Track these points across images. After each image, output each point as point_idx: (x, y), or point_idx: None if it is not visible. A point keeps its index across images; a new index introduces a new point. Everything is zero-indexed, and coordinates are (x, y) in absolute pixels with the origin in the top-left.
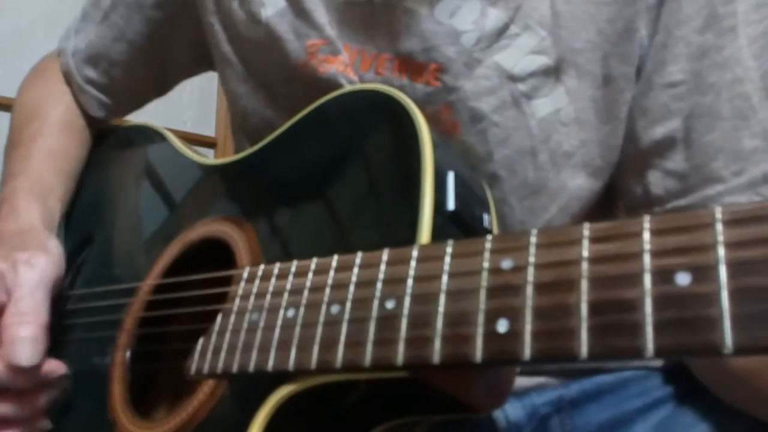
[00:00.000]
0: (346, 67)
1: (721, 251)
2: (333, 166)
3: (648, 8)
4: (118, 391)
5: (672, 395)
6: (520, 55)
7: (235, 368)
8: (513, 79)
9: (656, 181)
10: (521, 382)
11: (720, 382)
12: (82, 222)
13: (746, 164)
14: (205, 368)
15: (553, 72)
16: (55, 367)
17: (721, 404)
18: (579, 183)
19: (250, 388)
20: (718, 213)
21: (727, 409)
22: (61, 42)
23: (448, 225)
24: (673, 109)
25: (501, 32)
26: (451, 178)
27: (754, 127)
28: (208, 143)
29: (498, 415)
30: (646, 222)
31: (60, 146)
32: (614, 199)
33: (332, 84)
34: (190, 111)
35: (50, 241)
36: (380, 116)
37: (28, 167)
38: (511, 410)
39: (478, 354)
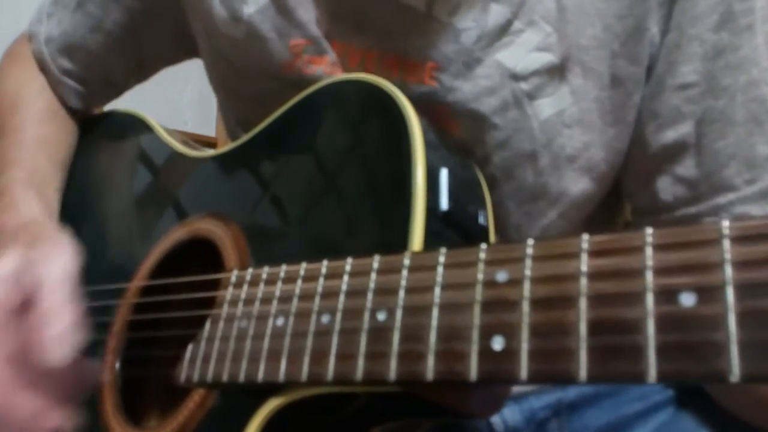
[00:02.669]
0: (333, 66)
1: (729, 271)
2: (320, 162)
3: (659, 5)
4: (109, 397)
5: (671, 400)
6: (524, 52)
7: (225, 378)
8: (515, 77)
9: (665, 188)
10: (519, 387)
11: (722, 391)
12: (68, 216)
13: (760, 172)
14: (195, 377)
15: (558, 70)
16: (88, 370)
17: (722, 410)
18: (582, 188)
19: (240, 398)
20: (726, 228)
21: (727, 415)
22: (31, 25)
23: (442, 225)
24: (685, 112)
25: (504, 29)
26: (444, 175)
27: None
28: (209, 143)
29: (496, 419)
30: (649, 236)
31: (50, 135)
32: (616, 205)
33: None
34: (190, 111)
35: (60, 234)
36: (369, 109)
37: (21, 156)
38: (509, 414)
39: (473, 372)
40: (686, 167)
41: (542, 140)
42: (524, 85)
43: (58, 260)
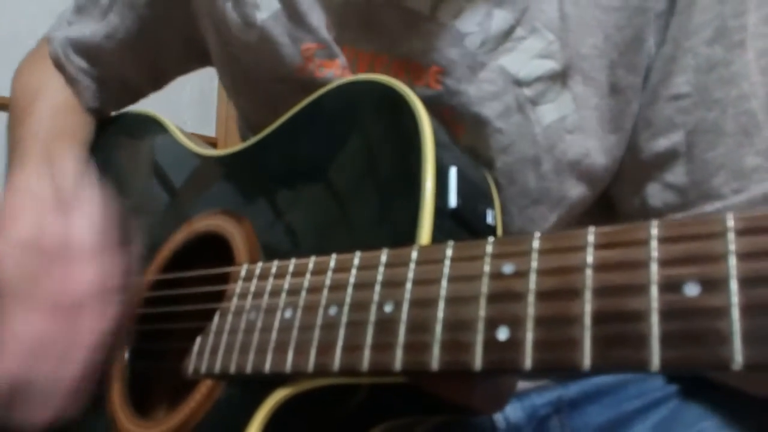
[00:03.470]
0: (344, 70)
1: (733, 262)
2: (332, 160)
3: (657, 17)
4: (116, 389)
5: (671, 395)
6: (526, 58)
7: (232, 369)
8: (518, 83)
9: (655, 194)
10: (521, 383)
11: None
12: None
13: (747, 183)
14: (203, 368)
15: (560, 77)
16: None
17: (722, 404)
18: (580, 193)
19: (247, 389)
20: (730, 221)
21: (727, 409)
22: (50, 31)
23: (450, 223)
24: (678, 122)
25: (507, 34)
26: (453, 173)
27: (758, 144)
28: (209, 143)
29: (497, 416)
30: (654, 228)
31: (67, 126)
32: (610, 212)
33: None
34: (190, 111)
35: (93, 192)
36: (381, 108)
37: (39, 136)
38: (511, 411)
39: (478, 362)
40: (676, 175)
41: (545, 145)
42: (527, 91)
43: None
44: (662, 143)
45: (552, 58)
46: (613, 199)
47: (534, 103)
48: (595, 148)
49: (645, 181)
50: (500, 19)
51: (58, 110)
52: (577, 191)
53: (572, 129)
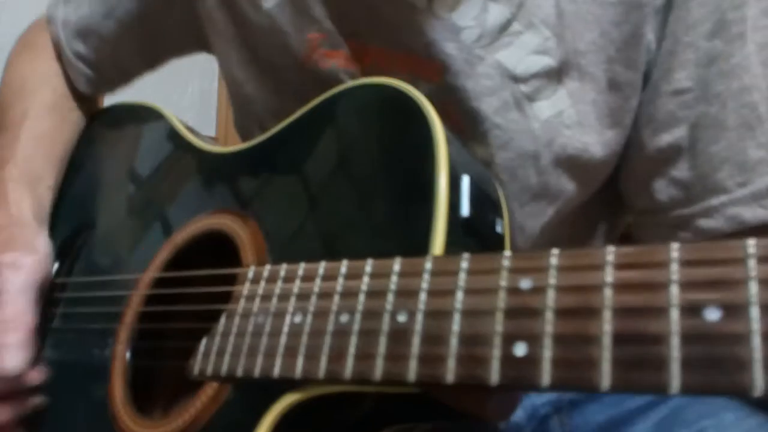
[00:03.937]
0: (348, 61)
1: (754, 288)
2: (342, 164)
3: (655, 12)
4: (118, 387)
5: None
6: (523, 54)
7: (239, 372)
8: (515, 79)
9: (660, 189)
10: None
11: None
12: (80, 206)
13: (751, 175)
14: (209, 370)
15: (556, 74)
16: (39, 375)
17: (724, 402)
18: (576, 187)
19: (254, 393)
20: (752, 247)
21: (730, 406)
22: (49, 8)
23: (462, 232)
24: (680, 117)
25: (503, 29)
26: (465, 181)
27: (760, 137)
28: None
29: None
30: (675, 250)
31: (47, 130)
32: (619, 204)
33: (334, 79)
34: (190, 111)
35: (39, 238)
36: (393, 112)
37: (17, 153)
38: None
39: (494, 377)
40: (680, 170)
41: (543, 140)
42: (524, 87)
43: (25, 267)
44: (665, 139)
45: (548, 54)
46: (622, 196)
47: (530, 99)
48: (593, 143)
49: (651, 176)
50: (496, 13)
51: (40, 113)
52: (575, 186)
53: (570, 124)
